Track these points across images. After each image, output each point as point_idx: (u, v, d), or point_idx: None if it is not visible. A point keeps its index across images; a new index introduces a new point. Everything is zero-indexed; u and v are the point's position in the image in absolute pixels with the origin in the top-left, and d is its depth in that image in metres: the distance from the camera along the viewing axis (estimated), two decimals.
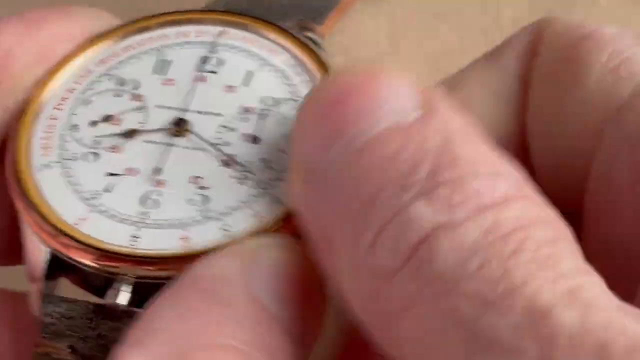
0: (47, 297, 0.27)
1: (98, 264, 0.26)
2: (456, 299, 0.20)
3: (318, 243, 0.23)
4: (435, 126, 0.22)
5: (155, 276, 0.26)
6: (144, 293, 0.26)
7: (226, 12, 0.32)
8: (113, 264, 0.26)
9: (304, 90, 0.29)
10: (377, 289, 0.21)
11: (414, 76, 0.24)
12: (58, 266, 0.27)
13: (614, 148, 0.24)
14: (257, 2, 0.33)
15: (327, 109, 0.23)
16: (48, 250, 0.26)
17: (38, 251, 0.27)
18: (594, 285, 0.20)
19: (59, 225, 0.26)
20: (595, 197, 0.25)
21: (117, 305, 0.26)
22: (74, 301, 0.26)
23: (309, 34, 0.32)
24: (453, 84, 0.29)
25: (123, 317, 0.26)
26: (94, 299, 0.27)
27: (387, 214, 0.21)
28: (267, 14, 0.32)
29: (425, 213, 0.21)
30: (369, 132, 0.22)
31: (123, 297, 0.26)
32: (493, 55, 0.29)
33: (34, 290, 0.27)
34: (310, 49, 0.30)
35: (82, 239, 0.26)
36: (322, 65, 0.30)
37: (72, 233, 0.26)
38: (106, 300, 0.26)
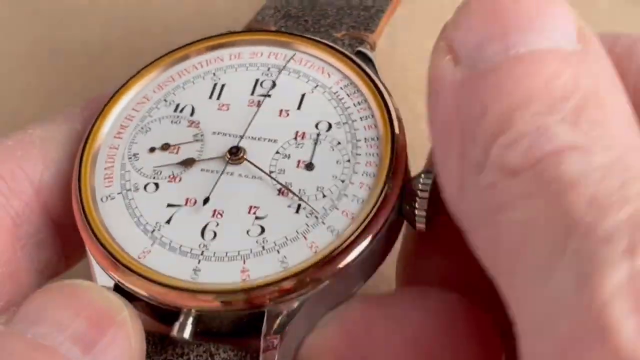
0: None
1: (161, 298, 0.27)
2: (572, 196, 0.21)
3: (448, 126, 0.24)
4: (589, 66, 0.23)
5: (215, 309, 0.26)
6: (206, 324, 0.27)
7: (277, 32, 0.32)
8: (176, 298, 0.27)
9: (357, 113, 0.30)
10: (496, 182, 0.23)
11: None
12: (124, 295, 0.27)
13: None
14: (309, 7, 0.34)
15: (495, 7, 0.24)
16: (112, 282, 0.27)
17: (103, 282, 0.27)
18: None
19: (123, 259, 0.27)
20: None
21: (182, 337, 0.26)
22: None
23: (361, 48, 0.32)
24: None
25: (189, 345, 0.27)
26: (159, 328, 0.27)
27: (532, 123, 0.22)
28: (320, 21, 0.33)
29: (566, 134, 0.22)
30: (532, 44, 0.23)
31: (186, 329, 0.26)
32: None
33: None
34: (362, 69, 0.31)
35: (145, 273, 0.27)
36: (374, 86, 0.30)
37: (135, 267, 0.27)
38: (171, 333, 0.26)
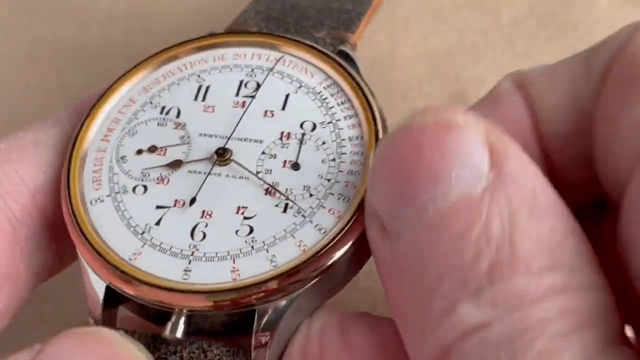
0: (106, 327, 0.28)
1: (153, 299, 0.27)
2: None
3: (388, 286, 0.25)
4: (501, 200, 0.23)
5: (207, 309, 0.27)
6: (198, 323, 0.27)
7: (259, 33, 0.33)
8: (166, 299, 0.27)
9: (340, 112, 0.30)
10: None
11: (483, 120, 0.24)
12: (115, 296, 0.28)
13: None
14: (290, 10, 0.34)
15: (398, 167, 0.24)
16: (104, 283, 0.28)
17: (95, 284, 0.28)
18: None
19: (114, 262, 0.28)
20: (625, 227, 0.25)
21: (174, 337, 0.27)
22: (132, 332, 0.28)
23: (342, 47, 0.33)
24: (541, 73, 0.29)
25: (179, 345, 0.27)
26: (151, 328, 0.28)
27: (442, 309, 0.22)
28: (301, 22, 0.33)
29: (470, 314, 0.22)
30: (438, 202, 0.23)
31: (178, 329, 0.27)
32: (586, 53, 0.28)
33: (93, 316, 0.28)
34: (345, 69, 0.31)
35: (136, 275, 0.27)
36: (357, 85, 0.31)
37: (126, 269, 0.28)
38: (163, 332, 0.27)
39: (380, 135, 0.29)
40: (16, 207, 0.29)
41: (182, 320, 0.27)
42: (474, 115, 0.24)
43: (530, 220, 0.23)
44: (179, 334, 0.27)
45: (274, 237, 0.28)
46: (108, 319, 0.28)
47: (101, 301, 0.28)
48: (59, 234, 0.30)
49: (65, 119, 0.31)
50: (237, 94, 0.31)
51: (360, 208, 0.28)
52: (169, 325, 0.27)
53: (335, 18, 0.34)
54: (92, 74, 0.42)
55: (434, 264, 0.23)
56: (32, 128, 0.31)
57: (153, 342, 0.28)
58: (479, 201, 0.23)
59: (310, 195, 0.28)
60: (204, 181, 0.29)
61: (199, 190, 0.29)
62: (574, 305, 0.22)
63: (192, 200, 0.29)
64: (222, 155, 0.29)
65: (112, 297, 0.28)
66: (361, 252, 0.28)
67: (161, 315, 0.28)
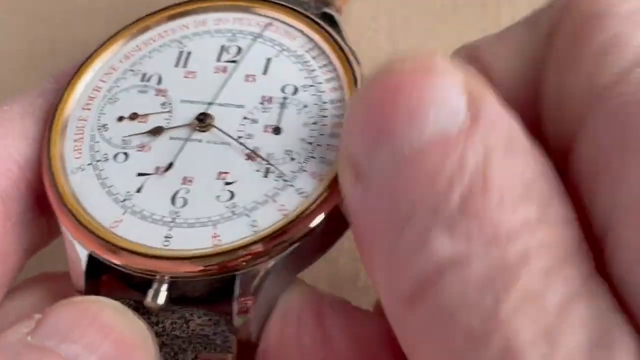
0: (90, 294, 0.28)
1: (134, 266, 0.27)
2: (452, 331, 0.21)
3: (359, 236, 0.25)
4: (477, 139, 0.22)
5: (189, 275, 0.27)
6: (180, 290, 0.27)
7: None
8: (148, 266, 0.27)
9: (322, 75, 0.30)
10: (396, 315, 0.23)
11: (462, 67, 0.24)
12: (98, 266, 0.28)
13: (593, 134, 0.24)
14: None
15: (375, 108, 0.23)
16: (86, 252, 0.28)
17: (77, 254, 0.28)
18: (572, 325, 0.21)
19: (95, 230, 0.27)
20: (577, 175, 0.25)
21: (156, 305, 0.27)
22: (116, 299, 0.27)
23: (327, 9, 0.32)
24: (490, 42, 0.29)
25: (163, 312, 0.27)
26: (134, 295, 0.28)
27: (415, 242, 0.22)
28: None
29: (444, 247, 0.22)
30: (414, 140, 0.23)
31: (159, 296, 0.27)
32: (531, 17, 0.28)
33: (76, 287, 0.28)
34: (327, 31, 0.31)
35: (117, 242, 0.27)
36: (340, 48, 0.30)
37: (107, 237, 0.27)
38: (145, 300, 0.27)
39: None
40: (6, 182, 0.29)
41: (164, 287, 0.27)
42: (453, 62, 0.24)
43: (505, 157, 0.22)
44: (161, 301, 0.27)
45: (255, 202, 0.27)
46: (91, 289, 0.28)
47: (84, 270, 0.28)
48: (46, 207, 0.30)
49: (50, 90, 0.31)
50: (219, 60, 0.31)
51: None
52: (151, 292, 0.27)
53: None
54: None
55: (406, 198, 0.22)
56: (17, 100, 0.31)
57: (136, 311, 0.27)
58: (455, 139, 0.22)
59: (292, 159, 0.28)
60: (182, 146, 0.29)
61: (176, 155, 0.29)
62: (551, 240, 0.22)
63: (170, 165, 0.29)
64: (202, 121, 0.29)
65: (95, 267, 0.28)
66: (341, 219, 0.28)
67: (143, 284, 0.27)
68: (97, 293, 0.28)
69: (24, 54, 0.44)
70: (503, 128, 0.23)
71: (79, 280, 0.28)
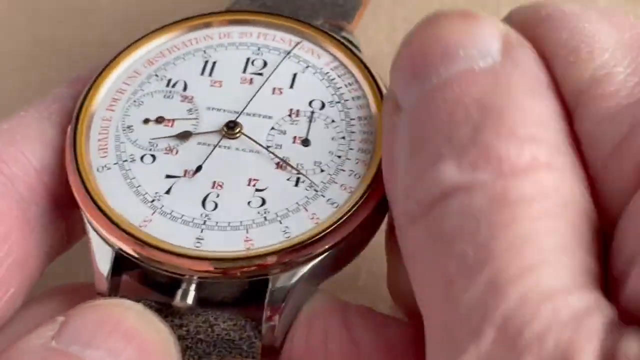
0: (112, 296, 0.27)
1: (165, 264, 0.27)
2: (446, 255, 0.22)
3: (388, 157, 0.26)
4: (502, 77, 0.24)
5: (222, 276, 0.27)
6: (206, 293, 0.27)
7: (268, 13, 0.33)
8: (180, 264, 0.27)
9: (348, 93, 0.30)
10: (403, 229, 0.24)
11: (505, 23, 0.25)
12: (121, 265, 0.28)
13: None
14: (286, 1, 0.34)
15: (415, 48, 0.25)
16: (113, 250, 0.27)
17: (103, 251, 0.28)
18: (551, 270, 0.21)
19: (125, 227, 0.27)
20: None
21: (185, 304, 0.27)
22: (138, 301, 0.27)
23: (344, 34, 0.33)
24: None
25: (187, 315, 0.27)
26: (158, 297, 0.28)
27: (427, 162, 0.23)
28: (297, 12, 0.33)
29: (451, 172, 0.23)
30: (443, 74, 0.24)
31: (189, 296, 0.27)
32: None
33: (98, 288, 0.28)
34: (350, 50, 0.31)
35: (149, 240, 0.27)
36: (363, 66, 0.31)
37: (138, 234, 0.27)
38: (174, 301, 0.27)
39: None
40: (24, 188, 0.29)
41: (192, 287, 0.27)
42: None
43: (525, 98, 0.23)
44: (190, 300, 0.27)
45: (287, 209, 0.28)
46: (113, 290, 0.28)
47: (109, 269, 0.27)
48: (66, 211, 0.29)
49: (65, 94, 0.31)
50: (245, 71, 0.31)
51: (373, 185, 0.28)
52: (180, 292, 0.27)
53: (330, 10, 0.34)
54: None
55: (427, 125, 0.24)
56: (33, 105, 0.31)
57: (159, 313, 0.27)
58: (480, 75, 0.24)
59: (322, 170, 0.29)
60: (212, 150, 0.29)
61: (206, 159, 0.29)
62: (555, 186, 0.22)
63: (198, 168, 0.29)
64: (232, 129, 0.29)
65: (118, 266, 0.28)
66: (371, 229, 0.29)
67: (167, 285, 0.27)
68: (117, 293, 0.28)
69: (25, 53, 0.43)
70: (530, 74, 0.24)
71: (102, 280, 0.27)
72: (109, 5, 0.44)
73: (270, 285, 0.27)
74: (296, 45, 0.32)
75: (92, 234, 0.28)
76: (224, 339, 0.27)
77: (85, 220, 0.28)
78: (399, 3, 0.43)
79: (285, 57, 0.31)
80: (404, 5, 0.41)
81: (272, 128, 0.30)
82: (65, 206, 0.29)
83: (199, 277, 0.27)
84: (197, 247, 0.27)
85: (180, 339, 0.27)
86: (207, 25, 0.32)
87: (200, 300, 0.27)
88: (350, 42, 0.33)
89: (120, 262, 0.27)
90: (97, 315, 0.25)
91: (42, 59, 0.43)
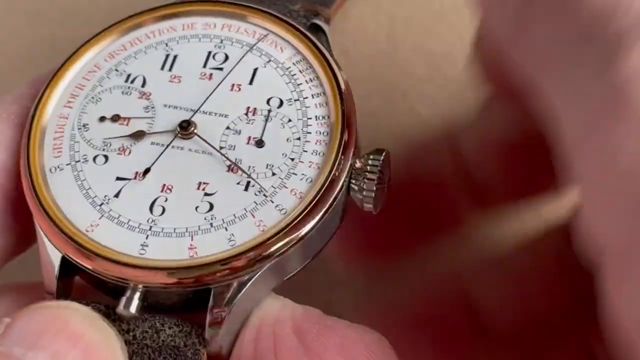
0: (61, 298, 0.27)
1: (108, 273, 0.27)
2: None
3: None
4: None
5: (163, 285, 0.27)
6: (153, 298, 0.27)
7: (229, 3, 0.32)
8: (122, 273, 0.27)
9: (308, 90, 0.30)
10: None
11: None
12: (71, 267, 0.28)
13: None
14: None
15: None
16: (60, 255, 0.27)
17: (51, 256, 0.28)
18: None
19: (71, 233, 0.27)
20: None
21: (128, 313, 0.26)
22: (87, 303, 0.27)
23: (316, 20, 0.32)
24: None
25: (134, 320, 0.27)
26: (105, 300, 0.27)
27: None
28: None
29: None
30: None
31: (132, 305, 0.26)
32: None
33: (47, 288, 0.28)
34: (315, 45, 0.30)
35: (92, 248, 0.27)
36: (326, 62, 0.30)
37: (82, 241, 0.27)
38: (117, 308, 0.27)
39: (346, 114, 0.29)
40: None
41: (137, 296, 0.27)
42: None
43: None
44: (133, 309, 0.27)
45: (234, 215, 0.27)
46: (63, 290, 0.28)
47: (56, 273, 0.27)
48: (22, 213, 0.29)
49: (25, 95, 0.31)
50: (205, 66, 0.30)
51: (323, 189, 0.27)
52: (123, 300, 0.27)
53: None
54: None
55: None
56: None
57: (107, 317, 0.27)
58: None
59: (273, 174, 0.28)
60: (161, 152, 0.29)
61: (154, 161, 0.28)
62: None
63: (146, 170, 0.28)
64: (185, 129, 0.29)
65: (68, 268, 0.28)
66: (323, 236, 0.28)
67: (116, 288, 0.27)
68: (68, 295, 0.28)
69: (24, 53, 0.43)
70: None
71: (51, 282, 0.28)
72: (109, 5, 0.43)
73: (212, 293, 0.26)
74: (261, 38, 0.31)
75: (41, 236, 0.28)
76: (170, 346, 0.27)
77: (35, 223, 0.28)
78: (398, 3, 0.42)
79: (248, 51, 0.30)
80: (404, 5, 0.41)
81: (227, 128, 0.29)
82: (22, 209, 0.29)
83: (142, 286, 0.27)
84: (141, 254, 0.27)
85: (127, 344, 0.27)
86: (169, 16, 0.32)
87: (147, 306, 0.27)
88: (322, 30, 0.32)
89: (70, 264, 0.27)
90: (43, 318, 0.26)
91: (42, 58, 0.43)
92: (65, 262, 0.27)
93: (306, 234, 0.27)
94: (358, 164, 0.28)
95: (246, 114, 0.29)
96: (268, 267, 0.27)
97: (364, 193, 0.28)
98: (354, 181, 0.28)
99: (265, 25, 0.31)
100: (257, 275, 0.27)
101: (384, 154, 0.28)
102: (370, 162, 0.28)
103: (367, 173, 0.28)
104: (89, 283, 0.28)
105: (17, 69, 0.43)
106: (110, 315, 0.27)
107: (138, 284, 0.27)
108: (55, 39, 0.43)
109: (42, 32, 0.44)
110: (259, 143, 0.29)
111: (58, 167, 0.29)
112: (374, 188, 0.28)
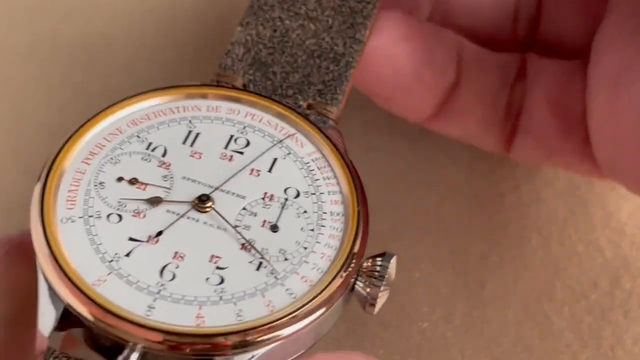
0: (52, 352, 0.27)
1: (110, 328, 0.26)
2: None
3: None
4: None
5: (165, 348, 0.26)
6: None
7: (257, 94, 0.33)
8: (126, 330, 0.26)
9: (325, 187, 0.30)
10: None
11: None
12: (68, 321, 0.27)
13: None
14: (280, 50, 0.34)
15: None
16: (62, 304, 0.27)
17: (52, 304, 0.27)
18: None
19: (78, 283, 0.27)
20: None
21: None
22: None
23: (331, 124, 0.33)
24: None
25: None
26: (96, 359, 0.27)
27: None
28: (290, 73, 0.33)
29: None
30: None
31: None
32: None
33: (39, 341, 0.27)
34: (335, 145, 0.31)
35: (98, 300, 0.26)
36: (345, 163, 0.31)
37: (89, 293, 0.27)
38: None
39: (362, 215, 0.30)
40: None
41: (134, 356, 0.26)
42: None
43: None
44: None
45: (244, 292, 0.27)
46: (54, 344, 0.27)
47: (55, 322, 0.27)
48: None
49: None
50: (226, 147, 0.31)
51: (334, 281, 0.28)
52: (120, 357, 0.26)
53: (323, 74, 0.33)
54: (93, 70, 0.42)
55: None
56: None
57: None
58: None
59: (285, 259, 0.28)
60: (177, 219, 0.29)
61: (169, 225, 0.29)
62: None
63: (158, 233, 0.28)
64: (204, 202, 0.29)
65: (65, 322, 0.27)
66: (325, 325, 0.28)
67: (109, 349, 0.27)
68: (58, 349, 0.27)
69: (25, 49, 0.43)
70: None
71: (46, 331, 0.27)
72: (111, 1, 0.44)
73: None
74: (288, 136, 0.32)
75: (43, 284, 0.27)
76: None
77: (39, 271, 0.28)
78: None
79: (273, 145, 0.31)
80: None
81: (244, 208, 0.29)
82: None
83: (143, 347, 0.26)
84: (147, 315, 0.26)
85: None
86: (201, 96, 0.32)
87: None
88: (339, 132, 0.33)
89: (67, 317, 0.27)
90: None
91: (43, 54, 0.43)
92: (65, 313, 0.27)
93: (312, 321, 0.27)
94: (364, 265, 0.29)
95: (263, 199, 0.30)
96: (272, 348, 0.27)
97: (368, 296, 0.29)
98: (360, 283, 0.29)
99: (288, 122, 0.32)
100: (259, 354, 0.27)
101: (392, 259, 0.29)
102: (378, 266, 0.29)
103: (375, 278, 0.29)
104: (84, 340, 0.28)
105: (18, 64, 0.43)
106: None
107: (139, 343, 0.26)
108: (56, 34, 0.43)
109: (43, 27, 0.44)
110: (274, 228, 0.29)
111: (70, 218, 0.28)
112: (379, 295, 0.29)
